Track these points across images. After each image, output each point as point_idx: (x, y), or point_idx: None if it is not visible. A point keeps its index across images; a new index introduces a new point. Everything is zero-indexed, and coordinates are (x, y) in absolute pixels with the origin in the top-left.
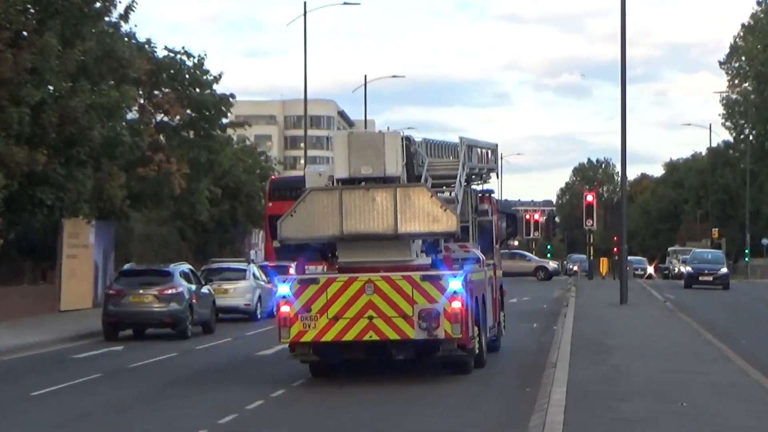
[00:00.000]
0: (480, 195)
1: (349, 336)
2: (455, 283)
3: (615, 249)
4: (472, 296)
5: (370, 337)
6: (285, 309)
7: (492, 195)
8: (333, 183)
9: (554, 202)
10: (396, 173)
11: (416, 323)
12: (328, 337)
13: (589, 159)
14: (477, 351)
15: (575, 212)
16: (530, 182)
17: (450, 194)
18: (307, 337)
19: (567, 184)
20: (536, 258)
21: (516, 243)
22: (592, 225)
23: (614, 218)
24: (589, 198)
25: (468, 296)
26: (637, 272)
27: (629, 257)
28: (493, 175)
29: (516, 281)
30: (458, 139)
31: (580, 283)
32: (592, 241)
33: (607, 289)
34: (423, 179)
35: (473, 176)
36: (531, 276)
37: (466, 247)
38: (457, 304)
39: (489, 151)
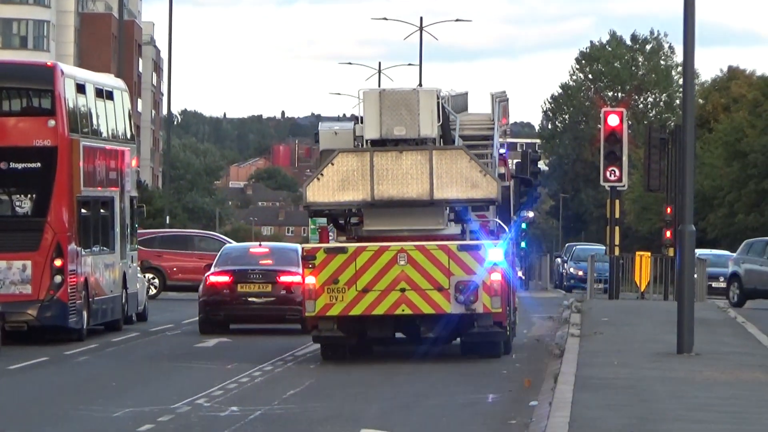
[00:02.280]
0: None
1: (380, 310)
2: (496, 253)
3: (667, 233)
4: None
5: (402, 311)
6: (310, 280)
7: (506, 156)
8: (363, 144)
9: (536, 129)
10: (431, 134)
11: (452, 296)
12: (357, 310)
13: (612, 33)
14: (507, 332)
15: (581, 152)
16: (488, 79)
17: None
18: (334, 311)
19: (564, 89)
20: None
21: (531, 215)
22: (619, 179)
23: (668, 166)
24: (613, 121)
25: (507, 268)
26: (717, 283)
27: (700, 252)
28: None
29: None
30: (490, 96)
31: (591, 306)
32: (617, 216)
33: (648, 321)
34: (456, 141)
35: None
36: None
37: (485, 217)
38: (497, 276)
39: (507, 106)
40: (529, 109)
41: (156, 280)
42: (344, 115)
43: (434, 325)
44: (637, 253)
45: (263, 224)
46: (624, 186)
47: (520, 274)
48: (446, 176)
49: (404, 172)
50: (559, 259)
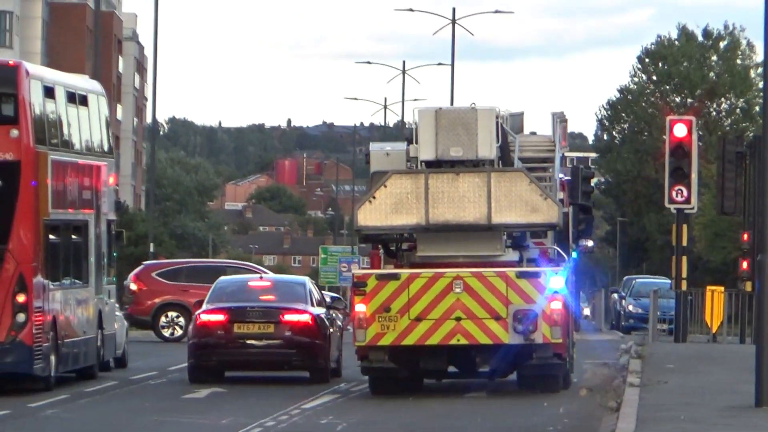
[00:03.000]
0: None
1: (434, 339)
2: (557, 281)
3: (743, 264)
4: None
5: (458, 341)
6: (361, 308)
7: (565, 181)
8: (417, 165)
9: (590, 141)
10: (489, 156)
11: (511, 326)
12: (410, 340)
13: (682, 28)
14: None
15: (643, 168)
16: (529, 81)
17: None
18: (386, 341)
19: (623, 93)
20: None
21: (590, 244)
22: (687, 200)
23: (746, 184)
24: (680, 132)
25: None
26: None
27: None
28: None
29: None
30: (551, 116)
31: (653, 351)
32: (684, 243)
33: (722, 368)
34: (515, 163)
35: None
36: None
37: (543, 244)
38: (557, 305)
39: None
40: (579, 117)
41: (181, 319)
42: (362, 123)
43: (491, 356)
44: (709, 287)
45: (265, 252)
46: (693, 208)
47: (586, 311)
48: (505, 200)
49: (461, 195)
50: (615, 295)
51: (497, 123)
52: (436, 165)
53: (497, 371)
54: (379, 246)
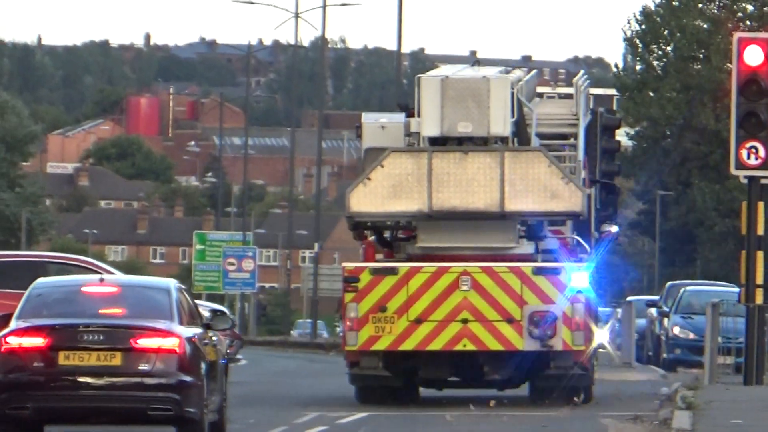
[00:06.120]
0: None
1: (436, 345)
2: (580, 279)
3: None
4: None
5: (464, 346)
6: (352, 307)
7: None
8: (419, 142)
9: (612, 70)
10: (503, 133)
11: (526, 330)
12: (409, 345)
13: None
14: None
15: (694, 113)
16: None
17: (567, 160)
18: (381, 345)
19: None
20: None
21: (615, 229)
22: (764, 162)
23: None
24: (754, 57)
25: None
26: None
27: None
28: None
29: None
30: (574, 84)
31: (711, 399)
32: (760, 231)
33: None
34: (532, 140)
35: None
36: None
37: (561, 232)
38: (580, 307)
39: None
40: (597, 34)
41: None
42: (260, 41)
43: (502, 364)
44: None
45: (109, 241)
46: None
47: (603, 335)
48: (520, 184)
49: (470, 178)
50: (653, 310)
51: (512, 94)
52: (442, 142)
53: (508, 381)
54: (366, 234)
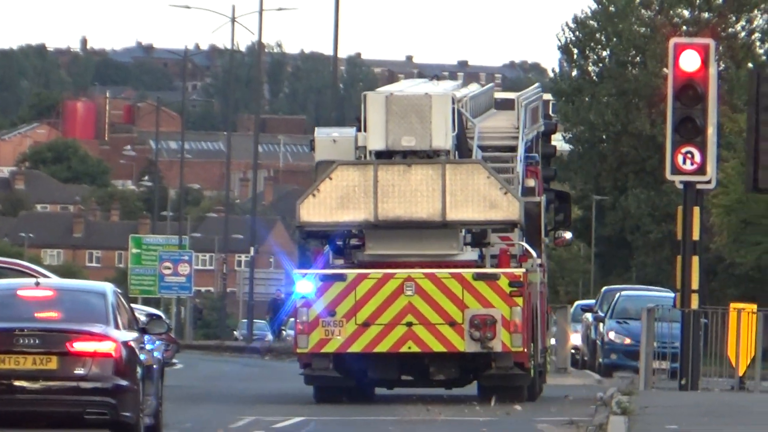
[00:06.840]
0: (526, 167)
1: (383, 347)
2: (519, 282)
3: None
4: (531, 302)
5: (409, 348)
6: (303, 312)
7: (538, 165)
8: (365, 156)
9: (549, 75)
10: (444, 146)
11: (467, 332)
12: (357, 347)
13: None
14: (532, 375)
15: (630, 119)
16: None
17: (510, 171)
18: (330, 347)
19: (599, 4)
20: None
21: (568, 236)
22: (699, 169)
23: None
24: (690, 62)
25: (529, 301)
26: None
27: None
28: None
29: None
30: (515, 99)
31: (647, 404)
32: (695, 236)
33: (755, 430)
34: (474, 153)
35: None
36: None
37: (509, 239)
38: (518, 310)
39: (539, 105)
40: (534, 39)
41: None
42: (197, 46)
43: (446, 365)
44: (733, 305)
45: (46, 245)
46: (710, 182)
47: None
48: (461, 194)
49: (413, 189)
50: (588, 315)
51: (454, 109)
52: (387, 155)
53: (453, 381)
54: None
